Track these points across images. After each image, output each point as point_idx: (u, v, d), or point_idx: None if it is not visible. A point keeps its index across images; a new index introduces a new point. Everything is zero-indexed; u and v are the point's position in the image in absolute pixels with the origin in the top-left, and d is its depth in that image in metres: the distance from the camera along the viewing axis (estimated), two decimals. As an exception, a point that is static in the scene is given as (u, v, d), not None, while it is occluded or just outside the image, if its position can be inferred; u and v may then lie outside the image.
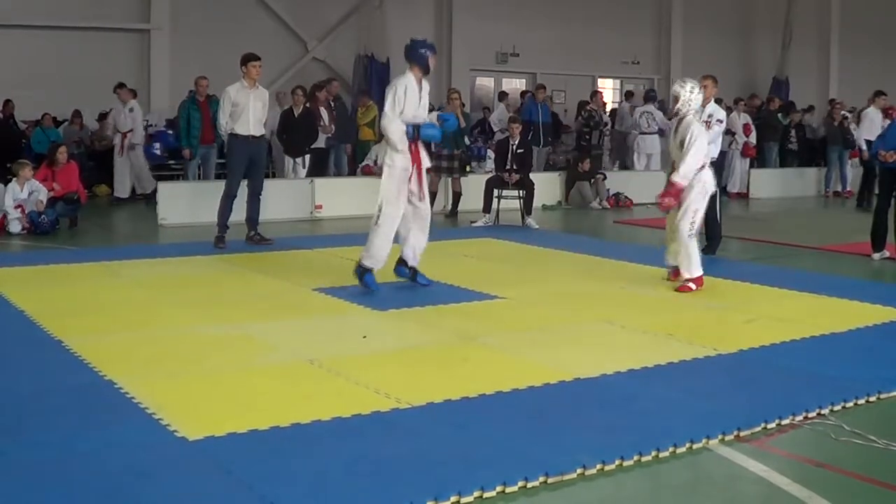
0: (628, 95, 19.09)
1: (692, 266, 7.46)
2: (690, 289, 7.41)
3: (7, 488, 3.50)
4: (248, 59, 9.77)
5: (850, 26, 24.01)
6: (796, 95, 21.61)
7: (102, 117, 15.56)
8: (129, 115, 14.05)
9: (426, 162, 7.52)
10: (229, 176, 9.90)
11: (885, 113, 15.77)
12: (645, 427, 4.25)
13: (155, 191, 13.07)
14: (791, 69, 22.58)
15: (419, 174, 7.36)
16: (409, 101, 7.26)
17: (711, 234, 9.50)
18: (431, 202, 12.95)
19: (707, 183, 7.65)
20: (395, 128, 7.20)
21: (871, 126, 14.59)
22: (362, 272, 7.34)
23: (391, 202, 7.25)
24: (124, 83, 14.38)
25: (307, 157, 13.55)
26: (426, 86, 7.51)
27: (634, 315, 6.59)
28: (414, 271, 7.57)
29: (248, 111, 9.59)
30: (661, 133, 15.82)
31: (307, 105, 13.22)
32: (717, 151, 9.43)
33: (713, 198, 9.46)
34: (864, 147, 14.51)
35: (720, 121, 9.28)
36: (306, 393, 4.75)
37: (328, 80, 15.84)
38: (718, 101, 10.04)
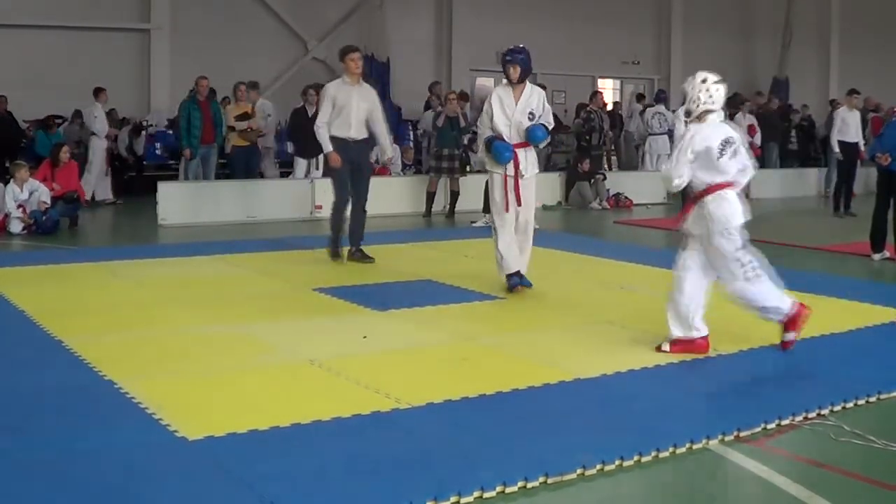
0: (640, 98, 19.05)
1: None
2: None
3: (7, 488, 3.50)
4: (345, 51, 8.63)
5: (850, 26, 24.01)
6: (796, 95, 21.62)
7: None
8: None
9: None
10: (335, 187, 8.72)
11: (888, 113, 15.67)
12: (645, 427, 4.25)
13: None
14: (791, 69, 22.58)
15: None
16: (495, 110, 7.23)
17: None
18: (430, 202, 13.16)
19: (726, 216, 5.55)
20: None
21: (843, 127, 14.17)
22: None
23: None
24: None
25: (320, 157, 13.55)
26: (531, 93, 7.28)
27: (634, 315, 6.59)
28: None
29: (351, 111, 8.41)
30: (671, 134, 15.88)
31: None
32: None
33: None
34: (837, 149, 14.13)
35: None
36: (306, 393, 4.75)
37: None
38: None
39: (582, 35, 20.46)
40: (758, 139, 16.48)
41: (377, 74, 17.87)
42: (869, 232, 9.55)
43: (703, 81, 5.54)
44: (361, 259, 8.69)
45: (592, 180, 14.84)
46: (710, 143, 5.43)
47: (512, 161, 7.20)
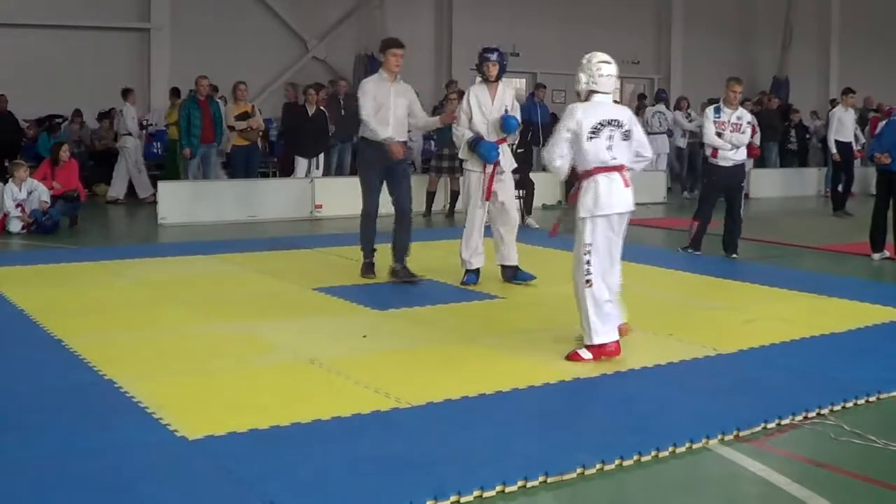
0: (641, 98, 19.03)
1: (591, 330, 5.31)
2: (581, 358, 5.32)
3: (7, 487, 3.50)
4: (388, 45, 7.84)
5: (850, 26, 24.01)
6: (796, 95, 21.62)
7: (102, 117, 15.57)
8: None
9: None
10: (364, 191, 7.83)
11: (886, 113, 15.66)
12: (644, 427, 4.25)
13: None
14: (791, 69, 22.58)
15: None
16: (473, 109, 7.52)
17: (731, 237, 9.40)
18: (430, 201, 13.16)
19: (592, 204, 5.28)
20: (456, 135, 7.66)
21: (840, 127, 14.19)
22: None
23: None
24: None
25: (320, 157, 13.61)
26: (504, 90, 7.58)
27: (634, 315, 6.56)
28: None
29: (389, 109, 7.66)
30: (670, 133, 15.89)
31: (319, 105, 13.32)
32: (745, 155, 9.47)
33: (739, 193, 9.37)
34: (834, 150, 14.16)
35: (749, 122, 9.35)
36: (306, 392, 4.75)
37: (331, 81, 15.93)
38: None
39: (582, 34, 20.38)
40: (757, 139, 16.46)
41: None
42: (869, 231, 9.55)
43: (588, 61, 5.41)
44: (406, 278, 7.74)
45: (592, 180, 14.82)
46: (584, 123, 5.24)
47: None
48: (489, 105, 7.50)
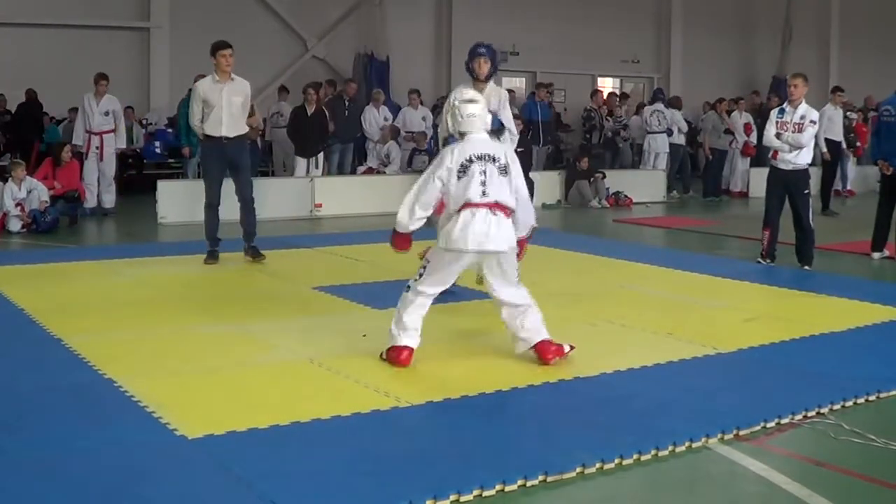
0: (622, 98, 19.04)
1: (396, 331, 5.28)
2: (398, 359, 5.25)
3: (6, 486, 3.50)
4: (216, 47, 8.47)
5: (849, 26, 24.01)
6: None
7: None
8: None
9: None
10: (205, 184, 8.87)
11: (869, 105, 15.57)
12: (644, 426, 4.25)
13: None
14: (791, 68, 22.54)
15: None
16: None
17: (800, 246, 8.90)
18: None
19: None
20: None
21: (829, 125, 14.07)
22: None
23: None
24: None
25: (320, 156, 13.62)
26: (490, 94, 6.85)
27: (634, 314, 6.59)
28: None
29: (221, 109, 8.33)
30: (670, 132, 15.93)
31: (320, 106, 13.38)
32: (810, 158, 8.87)
33: (802, 200, 8.74)
34: (824, 148, 13.98)
35: (813, 122, 8.66)
36: (306, 391, 4.75)
37: (329, 80, 15.94)
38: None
39: (581, 34, 20.45)
40: (753, 138, 16.50)
41: (377, 73, 17.91)
42: (872, 231, 9.52)
43: (452, 104, 5.32)
44: (255, 257, 8.67)
45: (592, 179, 14.84)
46: (452, 164, 5.11)
47: None
48: None
